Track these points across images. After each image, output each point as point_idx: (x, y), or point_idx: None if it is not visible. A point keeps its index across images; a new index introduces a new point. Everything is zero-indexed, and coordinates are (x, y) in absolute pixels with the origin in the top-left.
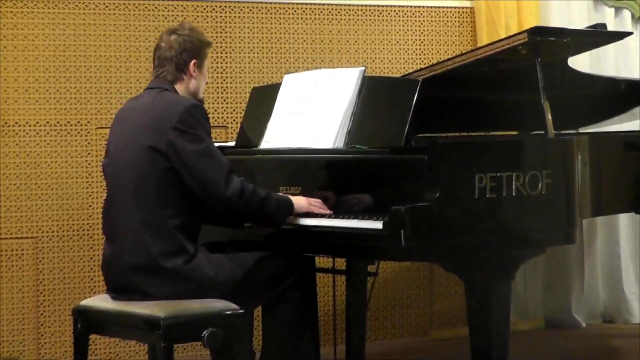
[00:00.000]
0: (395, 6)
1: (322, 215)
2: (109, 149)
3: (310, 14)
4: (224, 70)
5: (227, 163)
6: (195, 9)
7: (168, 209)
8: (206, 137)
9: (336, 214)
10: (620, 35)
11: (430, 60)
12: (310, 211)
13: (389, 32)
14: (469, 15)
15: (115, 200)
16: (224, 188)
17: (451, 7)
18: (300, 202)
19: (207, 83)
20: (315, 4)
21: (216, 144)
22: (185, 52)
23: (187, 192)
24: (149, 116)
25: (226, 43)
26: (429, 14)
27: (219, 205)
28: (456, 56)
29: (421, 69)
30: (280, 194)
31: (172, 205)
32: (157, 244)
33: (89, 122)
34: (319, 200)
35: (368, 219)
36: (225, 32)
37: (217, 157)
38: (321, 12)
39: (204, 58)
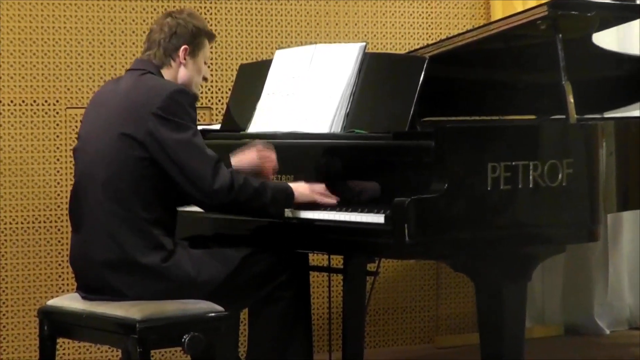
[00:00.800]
0: None
1: (326, 206)
2: (80, 133)
3: None
4: None
5: (214, 153)
6: None
7: (141, 203)
8: (191, 125)
9: (332, 206)
10: None
11: (438, 36)
12: (314, 200)
13: (393, 4)
14: None
15: (83, 189)
16: (211, 180)
17: None
18: (301, 190)
19: (205, 79)
20: None
21: (200, 127)
22: (175, 37)
23: (163, 184)
24: (128, 100)
25: (210, 14)
26: None
27: (206, 199)
28: (467, 31)
29: (428, 45)
30: (277, 181)
31: (146, 199)
32: (131, 239)
33: (57, 101)
34: (323, 186)
35: (368, 212)
36: (210, 2)
37: (203, 147)
38: None
39: (200, 48)
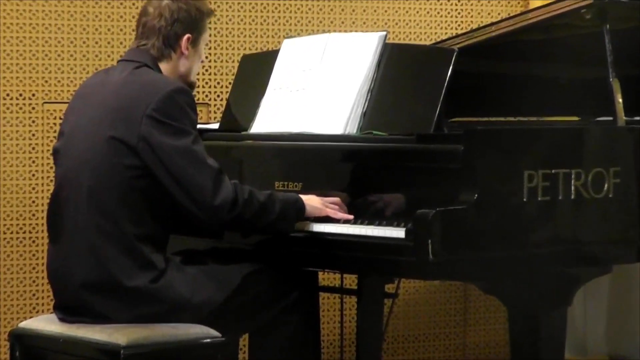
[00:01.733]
0: None
1: (340, 221)
2: (63, 130)
3: None
4: None
5: (215, 163)
6: None
7: (130, 216)
8: (191, 130)
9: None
10: None
11: (469, 25)
12: (327, 215)
13: None
14: None
15: (65, 198)
16: (212, 195)
17: None
18: (313, 203)
19: (203, 62)
20: None
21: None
22: (178, 24)
23: (156, 196)
24: (119, 98)
25: (210, 1)
26: None
27: (206, 216)
28: (502, 20)
29: (458, 36)
30: (286, 193)
31: (135, 212)
32: (117, 258)
33: (34, 95)
34: (337, 200)
35: (387, 225)
36: None
37: (204, 156)
38: None
39: (202, 32)
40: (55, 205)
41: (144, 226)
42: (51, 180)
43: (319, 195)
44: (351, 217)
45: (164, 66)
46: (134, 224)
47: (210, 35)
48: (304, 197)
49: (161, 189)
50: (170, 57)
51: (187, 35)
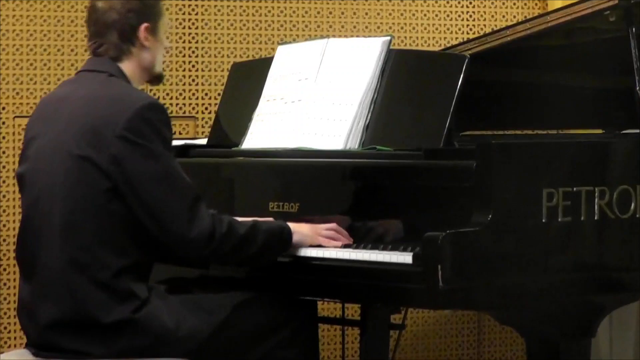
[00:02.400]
0: None
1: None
2: (26, 153)
3: None
4: (192, 39)
5: (192, 189)
6: None
7: (111, 248)
8: (164, 152)
9: (347, 243)
10: None
11: (481, 29)
12: (319, 244)
13: None
14: None
15: (35, 229)
16: (187, 227)
17: None
18: (303, 230)
19: (167, 50)
20: None
21: (181, 142)
22: (132, 14)
23: (136, 222)
24: (87, 116)
25: (196, 3)
26: None
27: (179, 249)
28: (518, 24)
29: (469, 41)
30: (272, 220)
31: (116, 242)
32: (94, 293)
33: (3, 108)
34: (333, 226)
35: (392, 249)
36: None
37: (180, 180)
38: None
39: (159, 19)
40: (24, 238)
41: (126, 256)
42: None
43: (318, 216)
44: (348, 241)
45: (126, 65)
46: (116, 255)
47: (192, 41)
48: (293, 225)
49: None
50: (130, 53)
51: (144, 25)
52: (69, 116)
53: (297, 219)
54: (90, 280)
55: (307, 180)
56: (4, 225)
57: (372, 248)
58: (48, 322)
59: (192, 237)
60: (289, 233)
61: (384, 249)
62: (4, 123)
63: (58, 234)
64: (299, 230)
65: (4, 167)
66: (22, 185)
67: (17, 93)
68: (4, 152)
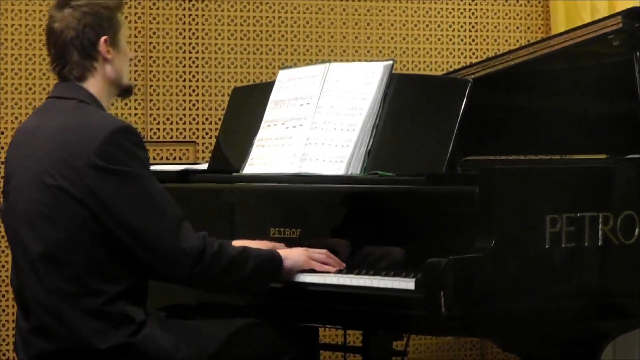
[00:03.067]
0: None
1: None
2: (6, 189)
3: None
4: (192, 64)
5: (176, 208)
6: None
7: (100, 275)
8: (142, 172)
9: (349, 269)
10: None
11: (484, 53)
12: (311, 268)
13: (427, 13)
14: None
15: (18, 261)
16: (172, 245)
17: None
18: (294, 256)
19: (131, 59)
20: None
21: (181, 167)
22: (88, 29)
23: (123, 247)
24: (60, 147)
25: (197, 24)
26: None
27: (167, 270)
28: (521, 48)
29: (472, 65)
30: (263, 248)
31: (103, 269)
32: (87, 322)
33: (2, 117)
34: (324, 252)
35: (394, 275)
36: (195, 10)
37: (162, 200)
38: None
39: (118, 29)
40: (14, 269)
41: (118, 282)
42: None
43: (319, 242)
44: (339, 266)
45: (92, 83)
46: (106, 282)
47: (193, 65)
48: (283, 251)
49: None
50: (94, 69)
51: (103, 38)
52: (42, 149)
53: (304, 239)
54: (82, 310)
55: (309, 205)
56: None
57: (374, 274)
58: (42, 354)
59: (179, 254)
60: (279, 260)
61: (386, 275)
62: (2, 133)
63: (41, 270)
64: (290, 256)
65: (3, 177)
66: (4, 222)
67: (16, 103)
68: (2, 162)
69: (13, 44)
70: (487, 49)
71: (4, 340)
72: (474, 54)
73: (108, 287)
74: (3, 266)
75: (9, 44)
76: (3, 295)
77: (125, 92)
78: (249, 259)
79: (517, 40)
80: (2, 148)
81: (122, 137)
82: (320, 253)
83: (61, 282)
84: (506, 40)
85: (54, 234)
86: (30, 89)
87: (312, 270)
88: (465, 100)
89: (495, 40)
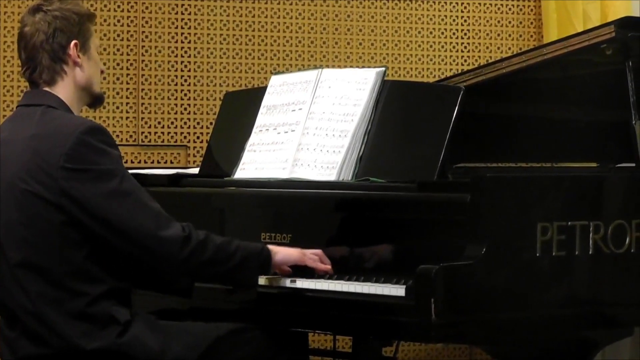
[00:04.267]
0: None
1: (321, 274)
2: None
3: None
4: (184, 68)
5: (153, 202)
6: None
7: (81, 277)
8: (115, 169)
9: (340, 275)
10: None
11: (477, 61)
12: (305, 264)
13: (420, 19)
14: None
15: (1, 275)
16: (155, 232)
17: None
18: (287, 250)
19: (103, 72)
20: None
21: (172, 171)
22: (59, 33)
23: (104, 247)
24: (32, 154)
25: (189, 29)
26: None
27: (152, 258)
28: (513, 56)
29: (464, 72)
30: (250, 243)
31: (84, 271)
32: (72, 324)
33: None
34: (319, 252)
35: (385, 282)
36: (188, 14)
37: (138, 193)
38: None
39: (89, 37)
40: None
41: (100, 284)
42: None
43: (309, 248)
44: (328, 267)
45: (62, 88)
46: (88, 284)
47: (185, 69)
48: (275, 247)
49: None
50: (64, 72)
51: (73, 42)
52: (14, 158)
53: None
54: (66, 313)
55: (300, 211)
56: None
57: (365, 280)
58: (30, 356)
59: (165, 240)
60: (268, 252)
61: (377, 281)
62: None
63: (20, 276)
64: (282, 250)
65: None
66: None
67: (8, 106)
68: None
69: (12, 44)
70: (480, 56)
71: None
72: (466, 61)
73: (89, 289)
74: None
75: (9, 44)
76: None
77: (96, 101)
78: (236, 250)
79: (509, 48)
80: None
81: (92, 137)
82: (314, 253)
83: (42, 287)
84: (498, 48)
85: (31, 240)
86: (22, 91)
87: (304, 275)
88: (457, 107)
89: (487, 47)
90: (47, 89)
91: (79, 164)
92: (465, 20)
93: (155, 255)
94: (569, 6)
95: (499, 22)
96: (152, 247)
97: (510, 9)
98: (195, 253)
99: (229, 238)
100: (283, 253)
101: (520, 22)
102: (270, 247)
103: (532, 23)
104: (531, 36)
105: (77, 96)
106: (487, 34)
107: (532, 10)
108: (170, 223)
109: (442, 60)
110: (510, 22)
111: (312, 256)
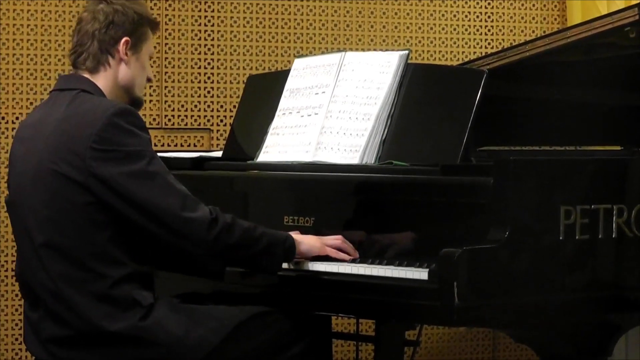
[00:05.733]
0: None
1: (344, 260)
2: (10, 182)
3: None
4: (207, 51)
5: (183, 188)
6: None
7: (103, 259)
8: (143, 151)
9: (362, 258)
10: None
11: (500, 44)
12: (326, 254)
13: (444, 3)
14: None
15: (23, 250)
16: (180, 212)
17: None
18: (310, 240)
19: (150, 80)
20: None
21: (196, 154)
22: (113, 26)
23: (130, 229)
24: (62, 135)
25: (212, 12)
26: None
27: (179, 238)
28: (537, 39)
29: (488, 56)
30: (275, 231)
31: (107, 253)
32: (95, 305)
33: (3, 118)
34: (340, 238)
35: (407, 265)
36: (212, 4)
37: (166, 175)
38: None
39: (143, 40)
40: (18, 259)
41: (123, 266)
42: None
43: (320, 231)
44: (353, 255)
45: (102, 78)
46: (111, 266)
47: (208, 52)
48: (298, 236)
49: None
50: (108, 64)
51: (125, 38)
52: (45, 139)
53: (317, 228)
54: (89, 294)
55: (323, 194)
56: (2, 236)
57: (388, 264)
58: (54, 338)
59: (193, 221)
60: (292, 242)
61: (399, 264)
62: (3, 133)
63: (44, 256)
64: (306, 240)
65: (2, 177)
66: (10, 213)
67: (17, 103)
68: (2, 163)
69: (15, 44)
70: (503, 39)
71: (2, 340)
72: (489, 44)
73: (112, 272)
74: (2, 265)
75: (11, 43)
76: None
77: (134, 103)
78: (262, 236)
79: (533, 31)
80: (3, 148)
81: (122, 119)
82: (335, 239)
83: (65, 268)
84: (522, 31)
85: (56, 220)
86: (31, 89)
87: (327, 258)
88: (480, 90)
89: (511, 30)
90: (87, 75)
91: (107, 144)
92: (489, 3)
93: (181, 236)
94: None
95: (522, 4)
96: (179, 228)
97: None
98: (222, 236)
99: (254, 224)
100: (307, 244)
101: (544, 5)
102: (295, 236)
103: (555, 6)
104: (555, 19)
105: (115, 92)
106: (511, 17)
107: None
108: (198, 205)
109: (466, 43)
110: (534, 5)
111: (334, 242)
